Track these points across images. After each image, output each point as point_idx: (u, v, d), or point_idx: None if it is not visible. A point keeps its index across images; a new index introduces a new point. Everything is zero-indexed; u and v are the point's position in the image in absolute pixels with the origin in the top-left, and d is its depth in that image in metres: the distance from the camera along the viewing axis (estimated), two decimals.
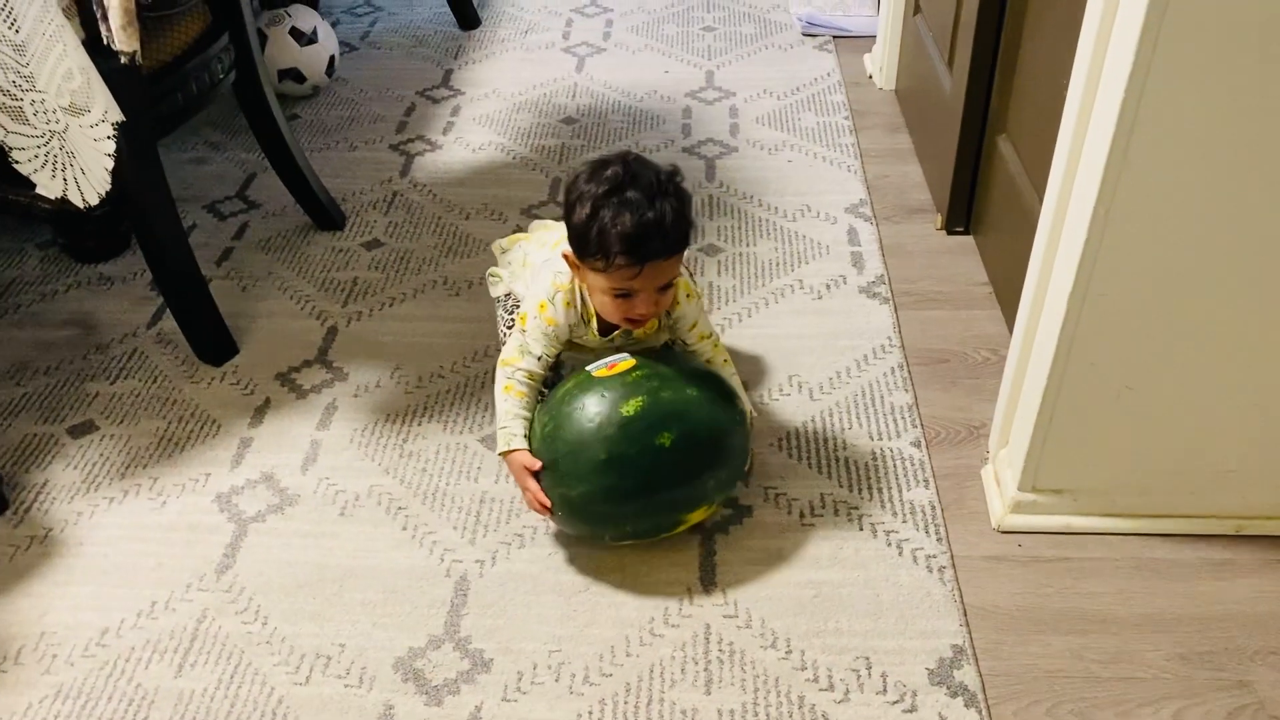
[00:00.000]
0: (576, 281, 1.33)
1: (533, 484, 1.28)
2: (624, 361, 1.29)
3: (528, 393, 1.33)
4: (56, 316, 1.79)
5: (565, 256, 1.29)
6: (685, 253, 1.28)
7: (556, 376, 1.44)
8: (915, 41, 2.19)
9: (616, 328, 1.35)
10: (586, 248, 1.23)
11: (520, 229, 1.77)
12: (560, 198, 1.41)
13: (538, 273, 1.40)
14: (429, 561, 1.35)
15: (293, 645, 1.25)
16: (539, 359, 1.34)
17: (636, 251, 1.21)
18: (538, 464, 1.28)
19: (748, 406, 1.37)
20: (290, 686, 1.21)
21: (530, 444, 1.30)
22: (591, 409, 1.24)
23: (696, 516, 1.30)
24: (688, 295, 1.36)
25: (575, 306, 1.34)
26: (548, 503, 1.27)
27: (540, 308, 1.33)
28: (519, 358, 1.34)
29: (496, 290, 1.57)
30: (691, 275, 1.50)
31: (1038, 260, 1.26)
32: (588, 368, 1.30)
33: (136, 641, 1.26)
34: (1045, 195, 1.25)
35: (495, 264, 1.59)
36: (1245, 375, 1.22)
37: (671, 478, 1.25)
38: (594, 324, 1.35)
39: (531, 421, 1.32)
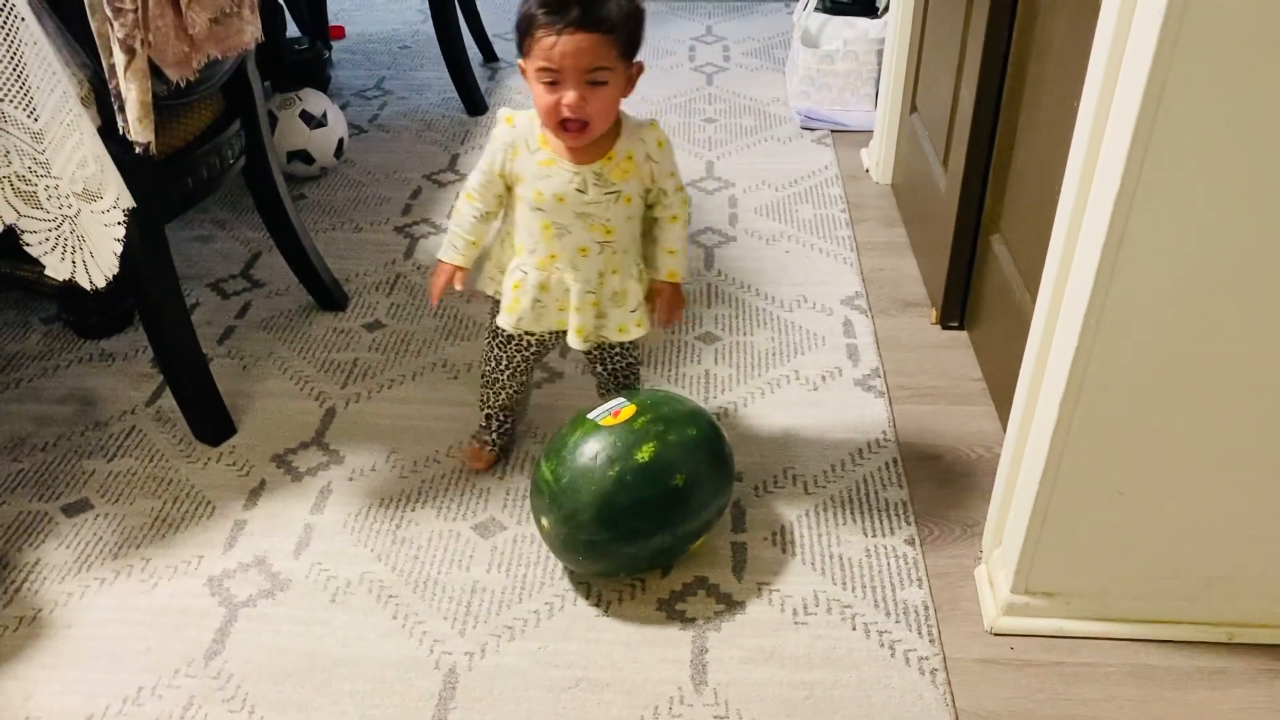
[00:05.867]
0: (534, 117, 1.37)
1: (440, 287, 1.45)
2: (625, 409, 1.37)
3: (465, 209, 1.43)
4: (57, 392, 1.80)
5: (520, 68, 1.32)
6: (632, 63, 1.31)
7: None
8: (911, 138, 2.24)
9: (583, 170, 1.35)
10: (521, 36, 1.27)
11: None
12: None
13: None
14: (418, 652, 1.34)
15: None
16: (483, 172, 1.40)
17: (555, 8, 1.22)
18: (459, 285, 1.44)
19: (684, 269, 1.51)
20: None
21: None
22: (605, 457, 1.33)
23: (697, 546, 1.44)
24: (659, 144, 1.39)
25: (534, 122, 1.37)
26: (436, 298, 1.46)
27: (507, 120, 1.39)
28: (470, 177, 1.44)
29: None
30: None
31: (1030, 365, 1.28)
32: (590, 415, 1.38)
33: None
34: (1037, 302, 1.27)
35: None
36: (1237, 482, 1.23)
37: (684, 513, 1.37)
38: (546, 151, 1.36)
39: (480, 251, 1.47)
